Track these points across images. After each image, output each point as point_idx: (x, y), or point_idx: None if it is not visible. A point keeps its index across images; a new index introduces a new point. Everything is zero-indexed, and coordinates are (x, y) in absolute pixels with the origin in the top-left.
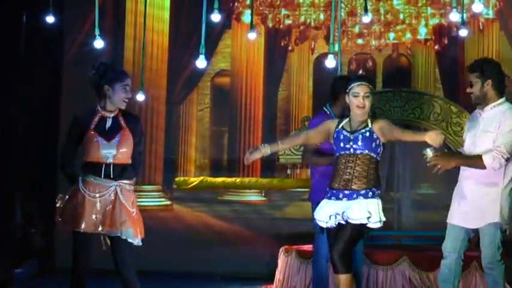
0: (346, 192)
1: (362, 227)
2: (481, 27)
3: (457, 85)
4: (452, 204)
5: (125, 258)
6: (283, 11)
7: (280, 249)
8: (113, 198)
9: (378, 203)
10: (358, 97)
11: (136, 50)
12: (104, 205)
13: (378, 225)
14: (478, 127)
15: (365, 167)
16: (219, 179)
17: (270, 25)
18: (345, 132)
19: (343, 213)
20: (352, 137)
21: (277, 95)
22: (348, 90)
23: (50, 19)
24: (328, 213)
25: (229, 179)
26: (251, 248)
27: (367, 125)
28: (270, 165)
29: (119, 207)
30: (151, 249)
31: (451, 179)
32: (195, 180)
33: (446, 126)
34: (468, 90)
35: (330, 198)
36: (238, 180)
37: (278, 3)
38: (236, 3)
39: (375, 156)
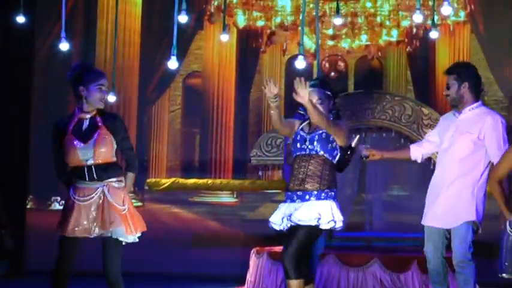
0: (299, 193)
1: (314, 229)
2: (451, 30)
3: (429, 87)
4: (427, 206)
5: (113, 259)
6: (256, 13)
7: (252, 251)
8: (102, 199)
9: (330, 205)
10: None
11: (108, 50)
12: (95, 208)
13: (332, 224)
14: (454, 129)
15: (319, 166)
16: (191, 180)
17: (242, 26)
18: (302, 133)
19: (291, 215)
20: (308, 138)
21: (249, 96)
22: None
23: (21, 19)
24: (281, 215)
25: (200, 180)
26: (223, 249)
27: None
28: (241, 167)
29: (107, 207)
30: (123, 251)
31: (421, 180)
32: (166, 182)
33: (417, 127)
34: (445, 92)
35: (285, 201)
36: (210, 181)
37: (251, 5)
38: (208, 5)
39: (330, 158)
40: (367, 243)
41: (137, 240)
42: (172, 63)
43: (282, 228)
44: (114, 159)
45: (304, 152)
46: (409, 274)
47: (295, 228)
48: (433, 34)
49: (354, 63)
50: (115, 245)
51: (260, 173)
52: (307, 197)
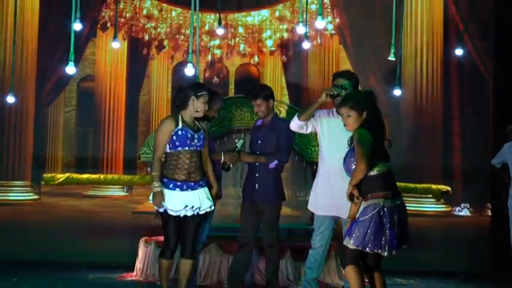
0: (190, 183)
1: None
2: (321, 41)
3: (301, 92)
4: (319, 196)
5: None
6: (145, 23)
7: (141, 240)
8: None
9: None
10: (205, 104)
11: (8, 55)
12: None
13: (213, 208)
14: (335, 127)
15: (200, 160)
16: (84, 176)
17: (133, 35)
18: (190, 131)
19: (193, 206)
20: (196, 136)
21: (139, 98)
22: (198, 95)
23: None
24: (181, 203)
25: (93, 176)
26: (113, 238)
27: (200, 126)
28: (131, 163)
29: None
30: (21, 240)
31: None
32: (61, 176)
33: None
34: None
35: (173, 189)
36: (102, 176)
37: (139, 15)
38: (101, 13)
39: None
40: None
41: None
42: (70, 69)
43: (179, 214)
44: None
45: (192, 148)
46: (283, 261)
47: (195, 215)
48: (305, 45)
49: (235, 70)
50: None
51: (148, 169)
52: (196, 186)
